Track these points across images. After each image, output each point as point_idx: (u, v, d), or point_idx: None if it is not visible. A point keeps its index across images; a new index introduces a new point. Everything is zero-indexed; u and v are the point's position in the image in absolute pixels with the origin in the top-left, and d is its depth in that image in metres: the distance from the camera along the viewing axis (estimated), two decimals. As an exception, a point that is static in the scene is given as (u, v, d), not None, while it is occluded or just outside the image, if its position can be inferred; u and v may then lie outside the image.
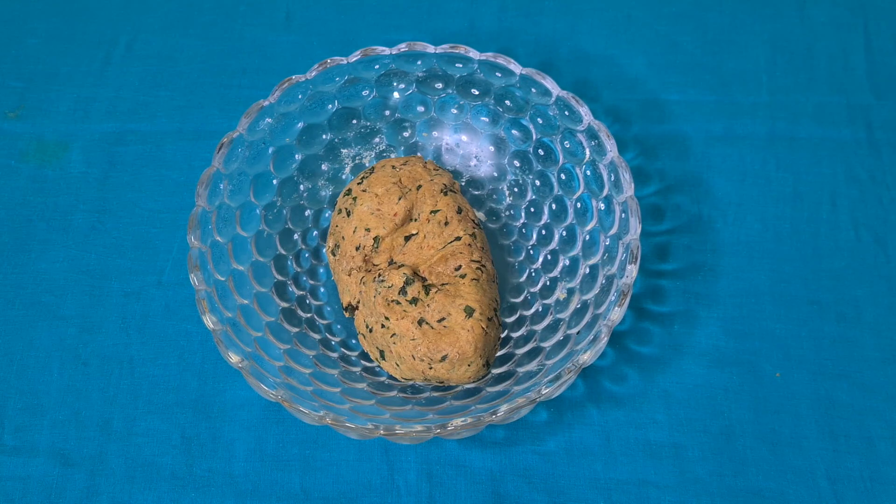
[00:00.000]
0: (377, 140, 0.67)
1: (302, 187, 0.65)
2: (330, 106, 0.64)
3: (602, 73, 0.73)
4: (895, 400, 0.60)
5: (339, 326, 0.63)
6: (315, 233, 0.65)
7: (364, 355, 0.61)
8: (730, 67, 0.73)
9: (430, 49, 0.62)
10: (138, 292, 0.65)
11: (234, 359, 0.53)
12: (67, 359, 0.63)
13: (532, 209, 0.65)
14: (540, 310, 0.61)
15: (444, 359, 0.55)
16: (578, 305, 0.59)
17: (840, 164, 0.69)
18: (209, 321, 0.54)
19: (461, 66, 0.63)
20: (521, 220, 0.65)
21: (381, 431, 0.50)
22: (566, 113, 0.61)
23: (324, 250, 0.65)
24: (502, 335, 0.60)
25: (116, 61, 0.75)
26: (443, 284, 0.58)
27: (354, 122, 0.66)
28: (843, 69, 0.73)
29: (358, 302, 0.60)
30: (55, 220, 0.69)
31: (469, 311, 0.56)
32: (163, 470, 0.59)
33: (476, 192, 0.67)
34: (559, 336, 0.58)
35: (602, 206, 0.60)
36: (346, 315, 0.61)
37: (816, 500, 0.58)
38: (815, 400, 0.61)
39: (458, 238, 0.59)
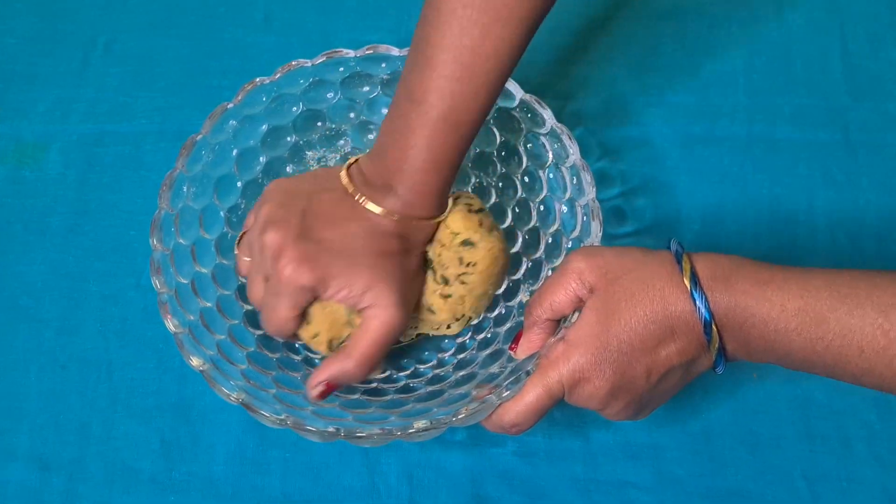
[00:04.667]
0: (342, 142, 0.66)
1: (266, 190, 0.64)
2: (294, 108, 0.63)
3: (580, 75, 0.73)
4: (872, 400, 0.60)
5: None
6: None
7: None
8: (708, 70, 0.73)
9: (395, 52, 0.62)
10: (117, 295, 0.65)
11: (195, 362, 0.53)
12: (45, 362, 0.63)
13: (495, 212, 0.65)
14: (503, 312, 0.61)
15: None
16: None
17: (817, 165, 0.69)
18: (171, 324, 0.54)
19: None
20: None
21: (342, 435, 0.50)
22: (529, 115, 0.61)
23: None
24: (466, 338, 0.60)
25: (95, 62, 0.75)
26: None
27: (319, 124, 0.65)
28: (820, 72, 0.73)
29: None
30: (33, 222, 0.68)
31: None
32: (142, 474, 0.59)
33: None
34: (521, 338, 0.58)
35: (565, 208, 0.60)
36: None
37: (794, 501, 0.58)
38: (792, 400, 0.61)
39: None
